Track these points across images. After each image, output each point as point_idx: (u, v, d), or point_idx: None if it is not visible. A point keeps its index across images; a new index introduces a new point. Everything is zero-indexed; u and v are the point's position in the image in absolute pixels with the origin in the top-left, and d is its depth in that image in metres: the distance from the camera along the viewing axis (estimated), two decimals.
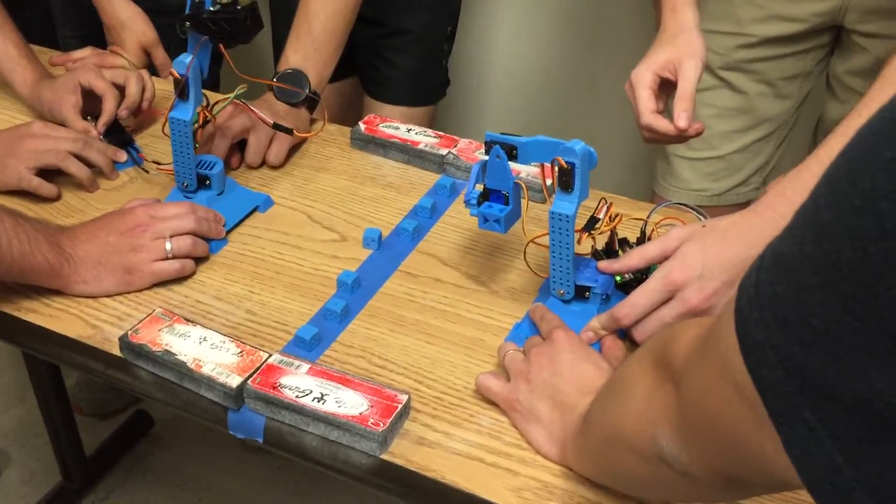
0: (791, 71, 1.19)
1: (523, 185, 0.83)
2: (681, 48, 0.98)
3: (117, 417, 1.73)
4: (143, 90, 1.12)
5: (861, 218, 0.32)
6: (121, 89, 1.09)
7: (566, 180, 0.78)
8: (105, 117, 1.06)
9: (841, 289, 0.33)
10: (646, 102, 0.96)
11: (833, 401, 0.33)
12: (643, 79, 0.97)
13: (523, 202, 0.84)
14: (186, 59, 0.91)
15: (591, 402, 0.63)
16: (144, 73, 1.14)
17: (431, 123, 1.55)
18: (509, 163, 0.81)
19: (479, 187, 0.84)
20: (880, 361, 0.32)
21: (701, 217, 0.92)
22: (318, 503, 1.60)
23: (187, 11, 0.89)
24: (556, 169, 0.79)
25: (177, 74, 0.91)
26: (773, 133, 1.26)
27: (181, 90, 0.92)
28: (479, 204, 0.84)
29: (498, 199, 0.83)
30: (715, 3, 1.19)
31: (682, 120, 0.94)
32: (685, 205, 0.96)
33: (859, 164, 0.33)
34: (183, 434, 1.72)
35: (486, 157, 0.82)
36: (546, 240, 0.83)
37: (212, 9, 0.87)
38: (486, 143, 0.81)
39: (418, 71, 1.50)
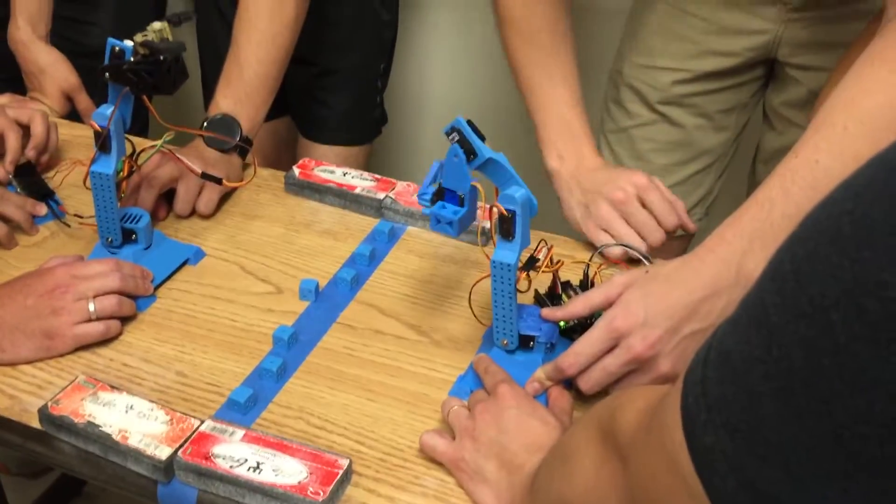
0: (728, 104, 1.20)
1: (480, 189, 0.79)
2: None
3: (47, 476, 1.65)
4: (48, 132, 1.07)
5: (812, 327, 0.30)
6: (27, 130, 1.05)
7: (507, 228, 0.76)
8: (10, 155, 1.00)
9: (794, 401, 0.31)
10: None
11: None
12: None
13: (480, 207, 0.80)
14: (107, 110, 0.87)
15: (538, 467, 0.61)
16: (51, 116, 1.10)
17: (367, 162, 1.53)
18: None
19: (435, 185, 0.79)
20: (838, 483, 0.30)
21: (645, 261, 0.91)
22: None
23: (106, 62, 0.85)
24: (497, 215, 0.76)
25: (97, 126, 0.87)
26: (712, 165, 1.26)
27: (102, 143, 0.88)
28: (432, 203, 0.79)
29: (453, 199, 0.79)
30: (652, 39, 1.19)
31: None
32: (628, 246, 0.94)
33: (806, 267, 0.32)
34: (118, 490, 1.64)
35: (442, 163, 0.78)
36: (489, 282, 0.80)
37: (132, 59, 0.84)
38: (451, 128, 0.75)
39: (351, 110, 1.47)
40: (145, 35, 0.83)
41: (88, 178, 0.90)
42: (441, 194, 0.79)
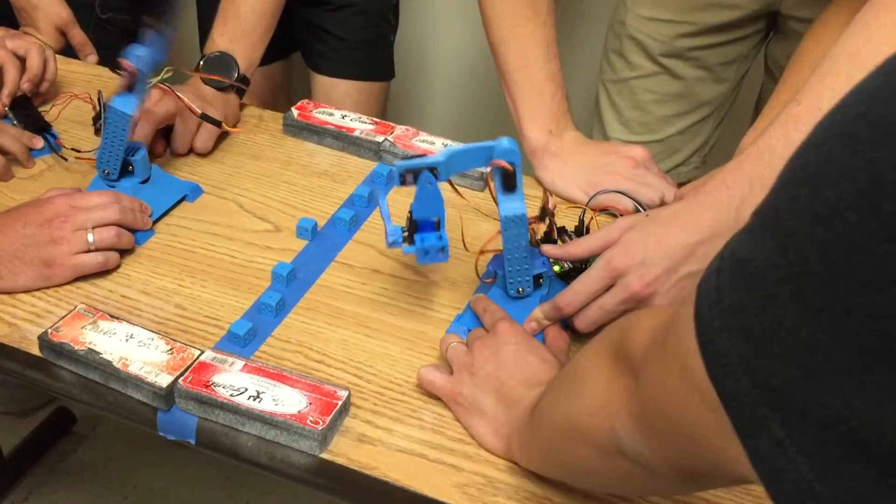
0: (728, 56, 1.20)
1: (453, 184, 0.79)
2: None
3: (37, 414, 1.65)
4: (46, 64, 1.06)
5: (829, 229, 0.31)
6: (23, 63, 1.04)
7: (511, 182, 0.76)
8: (8, 87, 1.00)
9: (811, 302, 0.31)
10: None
11: (804, 416, 0.32)
12: None
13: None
14: (141, 51, 0.87)
15: (542, 394, 0.62)
16: (48, 50, 1.08)
17: (384, 104, 1.52)
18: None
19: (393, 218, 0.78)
20: (856, 378, 0.30)
21: (639, 207, 0.92)
22: (250, 497, 1.56)
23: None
24: (497, 173, 0.76)
25: (131, 67, 0.87)
26: (710, 115, 1.27)
27: (130, 83, 0.88)
28: (410, 241, 0.77)
29: (429, 227, 0.77)
30: None
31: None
32: (622, 192, 0.95)
33: (821, 171, 0.32)
34: (107, 430, 1.66)
35: (386, 193, 0.78)
36: (491, 245, 0.81)
37: None
38: (400, 174, 0.74)
39: (368, 42, 1.46)
40: None
41: (102, 110, 0.89)
42: (415, 228, 0.77)
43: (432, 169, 0.74)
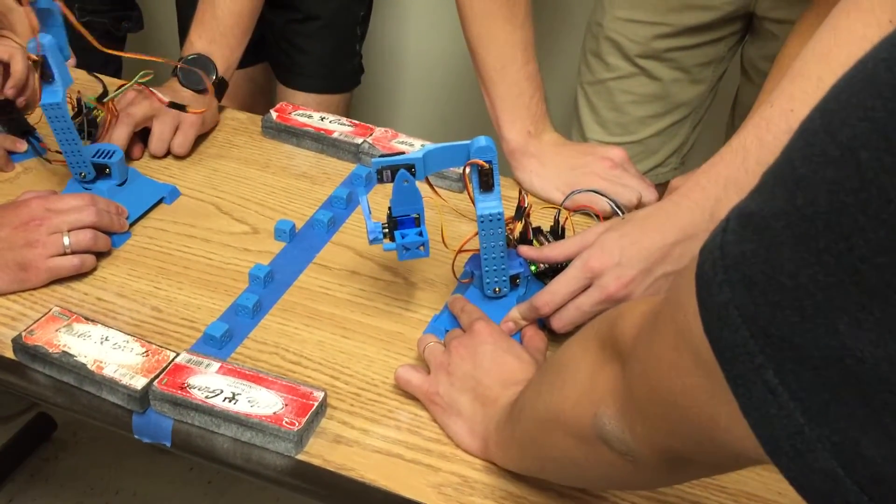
0: (705, 58, 1.21)
1: (431, 183, 0.79)
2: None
3: (17, 420, 1.64)
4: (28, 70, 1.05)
5: (839, 169, 0.31)
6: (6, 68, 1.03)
7: (487, 180, 0.76)
8: None
9: (815, 243, 0.31)
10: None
11: (799, 361, 0.32)
12: None
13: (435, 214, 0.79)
14: (43, 38, 0.85)
15: (524, 388, 0.62)
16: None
17: (347, 112, 1.52)
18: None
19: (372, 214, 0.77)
20: (852, 316, 0.30)
21: (615, 208, 0.92)
22: (231, 503, 1.56)
23: None
24: (474, 172, 0.76)
25: (34, 56, 0.85)
26: (688, 116, 1.28)
27: (42, 71, 0.86)
28: (390, 237, 0.77)
29: (409, 223, 0.77)
30: None
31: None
32: (597, 192, 0.95)
33: (837, 116, 0.32)
34: (88, 436, 1.65)
35: (365, 191, 0.78)
36: (470, 245, 0.81)
37: None
38: (378, 171, 0.74)
39: (330, 56, 1.46)
40: None
41: (79, 113, 0.89)
42: (394, 225, 0.77)
43: (409, 167, 0.74)
